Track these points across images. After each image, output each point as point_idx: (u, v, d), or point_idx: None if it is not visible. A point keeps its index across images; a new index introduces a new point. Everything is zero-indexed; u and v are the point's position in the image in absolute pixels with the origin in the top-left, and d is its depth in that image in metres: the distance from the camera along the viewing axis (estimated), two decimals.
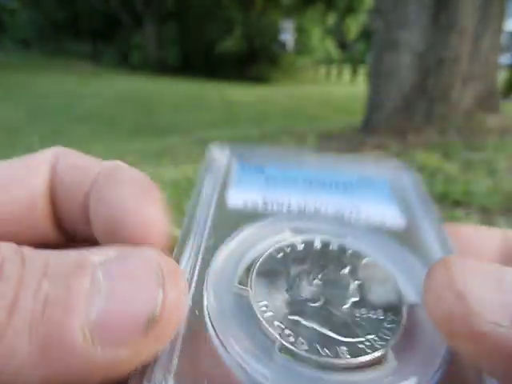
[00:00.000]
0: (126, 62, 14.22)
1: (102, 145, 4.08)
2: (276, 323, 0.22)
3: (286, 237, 0.26)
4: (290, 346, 0.21)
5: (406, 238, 0.27)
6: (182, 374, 0.20)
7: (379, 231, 0.27)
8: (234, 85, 10.36)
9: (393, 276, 0.24)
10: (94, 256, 0.17)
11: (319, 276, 0.24)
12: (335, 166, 0.31)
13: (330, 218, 0.27)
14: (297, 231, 0.26)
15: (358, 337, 0.22)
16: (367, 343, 0.22)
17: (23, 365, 0.15)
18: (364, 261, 0.25)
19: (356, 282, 0.24)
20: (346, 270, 0.24)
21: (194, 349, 0.21)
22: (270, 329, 0.22)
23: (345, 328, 0.22)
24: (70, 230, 0.24)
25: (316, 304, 0.24)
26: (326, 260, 0.25)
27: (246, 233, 0.26)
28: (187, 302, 0.20)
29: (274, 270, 0.24)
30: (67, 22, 16.26)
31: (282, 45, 13.97)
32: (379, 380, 0.22)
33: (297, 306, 0.23)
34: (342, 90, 10.01)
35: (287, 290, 0.23)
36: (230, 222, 0.26)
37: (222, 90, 8.80)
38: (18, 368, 0.15)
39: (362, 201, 0.29)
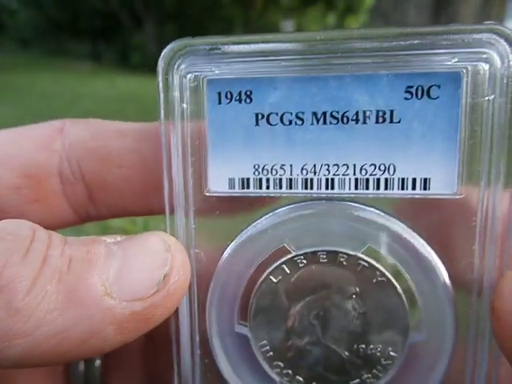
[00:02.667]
0: (125, 62, 14.22)
1: None
2: (276, 363, 0.24)
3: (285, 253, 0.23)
4: None
5: (452, 214, 0.21)
6: None
7: (416, 211, 0.22)
8: None
9: (403, 302, 0.22)
10: (103, 237, 0.20)
11: (320, 311, 0.23)
12: (367, 66, 0.21)
13: (346, 206, 0.22)
14: (298, 241, 0.23)
15: (352, 377, 0.23)
16: (359, 381, 0.23)
17: (52, 309, 0.17)
18: (375, 280, 0.23)
19: (361, 311, 0.23)
20: (351, 301, 0.23)
21: None
22: (270, 370, 0.24)
23: (340, 369, 0.23)
24: (85, 207, 0.27)
25: (315, 345, 0.23)
26: (330, 284, 0.23)
27: (240, 245, 0.23)
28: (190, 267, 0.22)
29: (272, 305, 0.24)
30: (67, 22, 16.24)
31: None
32: None
33: (295, 347, 0.24)
34: None
35: (286, 331, 0.24)
36: (214, 213, 0.23)
37: None
38: (47, 311, 0.17)
39: (403, 145, 0.21)
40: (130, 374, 0.31)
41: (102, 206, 0.26)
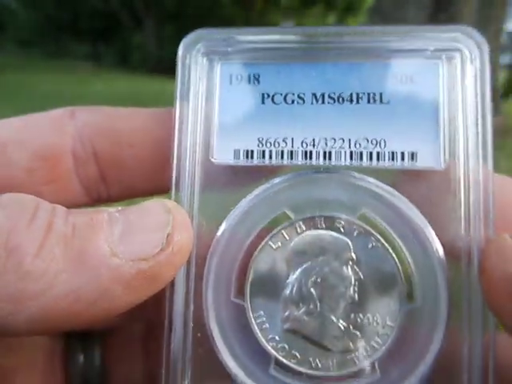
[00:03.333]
0: (125, 62, 14.21)
1: None
2: (271, 336, 0.24)
3: (285, 218, 0.24)
4: (284, 360, 0.23)
5: (438, 185, 0.24)
6: None
7: (403, 182, 0.24)
8: None
9: (398, 268, 0.23)
10: (106, 208, 0.21)
11: (318, 278, 0.24)
12: (359, 55, 0.25)
13: (342, 174, 0.24)
14: (297, 207, 0.24)
15: (349, 348, 0.23)
16: (356, 354, 0.23)
17: (61, 270, 0.17)
18: (370, 245, 0.24)
19: (358, 278, 0.23)
20: (349, 266, 0.24)
21: (204, 369, 0.23)
22: (265, 343, 0.24)
23: (337, 340, 0.23)
24: (97, 187, 0.27)
25: (312, 314, 0.24)
26: (328, 250, 0.24)
27: (240, 214, 0.24)
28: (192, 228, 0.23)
29: (271, 273, 0.24)
30: (67, 23, 16.23)
31: None
32: None
33: (292, 318, 0.24)
34: None
35: (284, 300, 0.24)
36: (219, 183, 0.24)
37: None
38: (57, 273, 0.17)
39: (392, 123, 0.24)
40: (130, 366, 0.31)
41: (114, 185, 0.27)
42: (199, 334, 0.24)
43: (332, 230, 0.24)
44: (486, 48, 0.24)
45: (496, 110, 3.47)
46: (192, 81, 0.25)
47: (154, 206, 0.21)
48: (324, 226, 0.24)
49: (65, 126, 0.26)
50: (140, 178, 0.27)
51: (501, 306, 0.21)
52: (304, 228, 0.24)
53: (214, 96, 0.25)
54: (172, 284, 0.24)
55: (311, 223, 0.24)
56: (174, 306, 0.24)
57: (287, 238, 0.24)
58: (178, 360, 0.24)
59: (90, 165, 0.26)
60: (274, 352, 0.23)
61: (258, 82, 0.25)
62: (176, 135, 0.24)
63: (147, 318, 0.31)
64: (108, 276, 0.18)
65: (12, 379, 0.27)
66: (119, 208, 0.21)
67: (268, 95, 0.25)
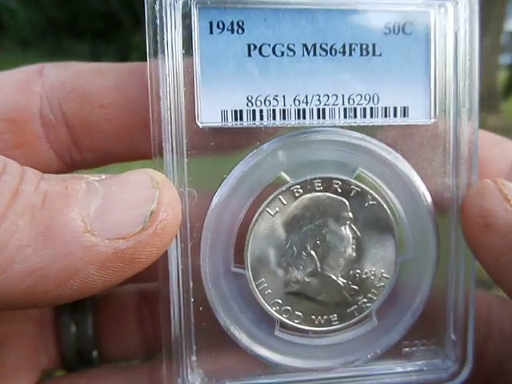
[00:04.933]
0: (125, 62, 14.22)
1: None
2: (274, 300, 0.24)
3: (281, 180, 0.24)
4: (288, 321, 0.24)
5: (428, 139, 0.24)
6: (205, 367, 0.24)
7: (397, 137, 0.24)
8: None
9: (392, 224, 0.24)
10: (87, 175, 0.19)
11: (317, 240, 0.24)
12: (351, 2, 0.23)
13: (336, 133, 0.24)
14: (294, 171, 0.24)
15: (349, 303, 0.24)
16: (356, 307, 0.24)
17: (24, 245, 0.16)
18: (367, 204, 0.24)
19: (355, 236, 0.24)
20: (346, 226, 0.24)
21: (209, 341, 0.24)
22: (269, 308, 0.24)
23: (338, 296, 0.24)
24: (69, 152, 0.25)
25: (313, 275, 0.24)
26: (326, 212, 0.24)
27: (234, 181, 0.23)
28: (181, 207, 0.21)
29: (270, 239, 0.24)
30: (67, 22, 16.24)
31: None
32: (360, 339, 0.25)
33: (294, 280, 0.24)
34: None
35: (284, 263, 0.24)
36: (207, 149, 0.23)
37: None
38: (19, 247, 0.16)
39: (385, 76, 0.24)
40: (123, 334, 0.30)
41: (87, 149, 0.25)
42: (201, 308, 0.24)
43: (329, 192, 0.24)
44: None
45: (496, 110, 3.47)
46: (166, 31, 0.21)
47: (139, 177, 0.19)
48: (321, 187, 0.24)
49: (33, 85, 0.24)
50: (114, 142, 0.25)
51: (476, 239, 0.22)
52: (301, 191, 0.24)
53: (194, 48, 0.22)
54: (166, 261, 0.23)
55: (308, 186, 0.24)
56: (172, 283, 0.23)
57: (285, 202, 0.24)
58: (181, 336, 0.24)
59: (60, 127, 0.24)
60: (277, 315, 0.24)
61: (243, 31, 0.22)
62: (153, 96, 0.22)
63: (139, 286, 0.31)
64: (80, 254, 0.17)
65: (1, 348, 0.27)
66: (102, 176, 0.19)
67: (255, 46, 0.22)
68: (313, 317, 0.24)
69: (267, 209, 0.23)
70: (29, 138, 0.24)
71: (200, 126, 0.22)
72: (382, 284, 0.24)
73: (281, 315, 0.24)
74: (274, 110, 0.23)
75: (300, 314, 0.24)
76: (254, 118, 0.23)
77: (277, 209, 0.24)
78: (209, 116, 0.22)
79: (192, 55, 0.22)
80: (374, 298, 0.24)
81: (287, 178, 0.24)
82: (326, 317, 0.25)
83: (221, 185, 0.23)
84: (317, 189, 0.24)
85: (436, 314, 0.25)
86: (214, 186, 0.23)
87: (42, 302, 0.18)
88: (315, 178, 0.23)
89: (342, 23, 0.23)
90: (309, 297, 0.24)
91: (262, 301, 0.24)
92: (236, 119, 0.23)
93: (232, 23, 0.22)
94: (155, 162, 0.22)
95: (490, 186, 0.22)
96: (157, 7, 0.21)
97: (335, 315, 0.25)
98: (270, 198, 0.23)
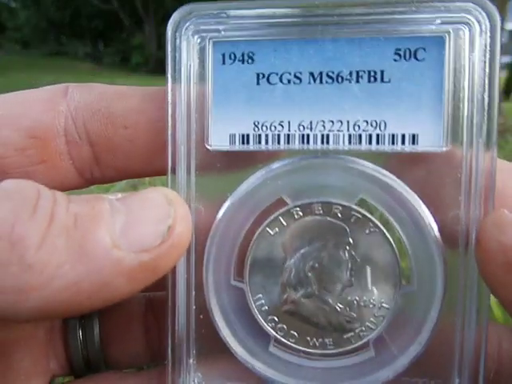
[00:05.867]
0: (126, 62, 14.24)
1: None
2: (270, 317, 0.24)
3: (282, 204, 0.24)
4: (283, 339, 0.24)
5: (438, 168, 0.23)
6: (203, 371, 0.24)
7: (403, 166, 0.23)
8: None
9: (395, 253, 0.23)
10: (106, 194, 0.21)
11: (315, 263, 0.24)
12: (360, 29, 0.23)
13: (340, 159, 0.24)
14: (295, 193, 0.24)
15: (345, 329, 0.24)
16: (352, 334, 0.24)
17: (62, 263, 0.18)
18: (367, 231, 0.24)
19: (354, 262, 0.24)
20: (346, 251, 0.24)
21: (207, 347, 0.24)
22: (265, 324, 0.24)
23: (334, 321, 0.24)
24: (90, 169, 0.27)
25: (309, 297, 0.24)
26: (325, 236, 0.24)
27: (238, 200, 0.24)
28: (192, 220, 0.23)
29: (269, 258, 0.24)
30: (67, 22, 16.27)
31: None
32: (355, 368, 0.24)
33: (291, 300, 0.24)
34: None
35: (282, 284, 0.24)
36: (215, 169, 0.24)
37: None
38: (58, 265, 0.17)
39: (393, 103, 0.23)
40: (129, 341, 0.31)
41: (108, 167, 0.27)
42: (201, 316, 0.25)
43: (329, 216, 0.24)
44: (497, 20, 0.21)
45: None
46: (183, 62, 0.23)
47: (155, 196, 0.21)
48: (321, 211, 0.24)
49: (58, 105, 0.25)
50: (134, 160, 0.26)
51: (495, 277, 0.21)
52: (301, 214, 0.24)
53: (207, 77, 0.24)
54: (173, 270, 0.24)
55: (308, 209, 0.24)
56: (177, 291, 0.24)
57: (284, 223, 0.24)
58: (182, 341, 0.25)
59: (83, 146, 0.26)
60: (273, 332, 0.24)
61: (253, 61, 0.23)
62: (169, 119, 0.24)
63: (145, 295, 0.31)
64: (110, 268, 0.19)
65: (13, 353, 0.27)
66: (119, 195, 0.21)
67: (263, 75, 0.23)
68: (308, 338, 0.24)
69: (267, 228, 0.24)
70: (52, 154, 0.26)
71: (209, 148, 0.24)
72: (382, 314, 0.24)
73: (276, 332, 0.24)
74: (278, 135, 0.24)
75: (295, 333, 0.24)
76: (260, 142, 0.24)
77: (276, 229, 0.24)
78: (218, 140, 0.24)
79: (205, 83, 0.24)
80: (373, 327, 0.24)
81: (288, 200, 0.24)
82: (321, 340, 0.24)
83: (225, 202, 0.24)
84: (317, 212, 0.24)
85: (441, 353, 0.23)
86: (219, 204, 0.24)
87: (74, 313, 0.20)
88: (316, 202, 0.24)
89: (350, 51, 0.23)
90: (304, 318, 0.24)
91: (259, 316, 0.24)
92: (243, 143, 0.24)
93: (243, 54, 0.23)
94: (168, 178, 0.24)
95: (507, 217, 0.21)
96: (177, 41, 0.23)
97: (331, 339, 0.24)
98: (271, 218, 0.24)
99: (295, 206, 0.24)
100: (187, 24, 0.23)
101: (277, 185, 0.24)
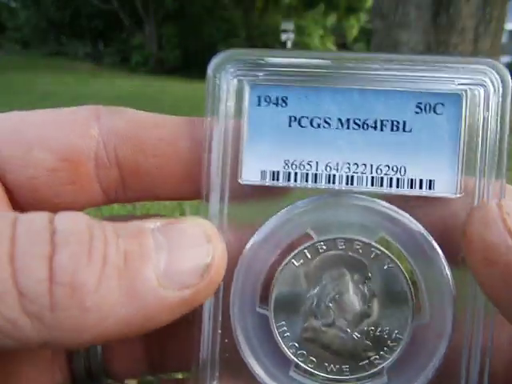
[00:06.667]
0: (126, 62, 14.23)
1: None
2: (292, 343, 0.26)
3: (307, 237, 0.26)
4: (302, 364, 0.26)
5: (453, 212, 0.25)
6: None
7: (419, 210, 0.25)
8: None
9: (409, 287, 0.25)
10: (147, 223, 0.22)
11: (336, 294, 0.26)
12: (385, 83, 0.25)
13: (363, 198, 0.25)
14: (320, 229, 0.26)
15: (361, 357, 0.26)
16: (367, 362, 0.26)
17: (115, 303, 0.19)
18: (385, 266, 0.25)
19: (372, 295, 0.25)
20: (364, 285, 0.25)
21: (230, 370, 0.26)
22: (286, 349, 0.26)
23: (351, 349, 0.26)
24: (115, 190, 0.28)
25: (329, 326, 0.26)
26: (346, 269, 0.26)
27: (266, 232, 0.26)
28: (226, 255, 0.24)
29: (293, 288, 0.26)
30: (67, 22, 16.25)
31: (283, 45, 13.96)
32: None
33: (311, 329, 0.26)
34: None
35: (304, 312, 0.26)
36: (246, 202, 0.26)
37: None
38: (112, 306, 0.19)
39: (413, 151, 0.25)
40: (131, 358, 0.32)
41: (133, 190, 0.28)
42: (226, 340, 0.26)
43: (351, 251, 0.25)
44: (508, 81, 0.24)
45: None
46: (222, 101, 0.25)
47: (195, 233, 0.22)
48: (344, 247, 0.25)
49: (90, 129, 0.26)
50: (160, 186, 0.27)
51: (478, 271, 0.22)
52: (325, 248, 0.25)
53: (243, 117, 0.26)
54: None
55: (332, 244, 0.25)
56: (204, 316, 0.26)
57: (309, 256, 0.25)
58: (207, 363, 0.26)
59: (112, 170, 0.27)
60: (293, 357, 0.26)
61: (286, 105, 0.25)
62: (206, 152, 0.25)
63: None
64: (155, 305, 0.20)
65: (20, 365, 0.28)
66: (158, 224, 0.22)
67: (295, 118, 0.25)
68: (326, 364, 0.26)
69: (293, 260, 0.25)
70: (82, 176, 0.27)
71: (241, 182, 0.26)
72: (395, 344, 0.25)
73: (296, 358, 0.26)
74: (306, 174, 0.25)
75: (314, 359, 0.26)
76: (289, 180, 0.25)
77: (301, 261, 0.25)
78: (249, 174, 0.26)
79: (241, 122, 0.26)
80: (386, 355, 0.25)
81: (313, 234, 0.25)
82: (338, 366, 0.26)
83: (254, 234, 0.26)
84: (339, 247, 0.25)
85: (449, 379, 0.25)
86: (248, 235, 0.26)
87: (122, 339, 0.21)
88: (339, 238, 0.25)
89: (376, 102, 0.25)
90: (323, 345, 0.26)
91: (281, 342, 0.26)
92: (273, 179, 0.26)
93: (277, 98, 0.25)
94: (202, 205, 0.26)
95: (494, 213, 0.22)
96: (217, 81, 0.25)
97: (347, 366, 0.26)
98: (296, 250, 0.25)
99: (320, 241, 0.25)
100: (227, 66, 0.25)
101: (303, 220, 0.26)
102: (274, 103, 0.25)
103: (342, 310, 0.25)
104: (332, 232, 0.25)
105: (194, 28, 13.13)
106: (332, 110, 0.25)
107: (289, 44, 14.21)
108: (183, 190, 0.27)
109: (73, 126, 0.26)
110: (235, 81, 0.25)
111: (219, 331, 0.26)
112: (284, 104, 0.25)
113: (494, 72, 0.24)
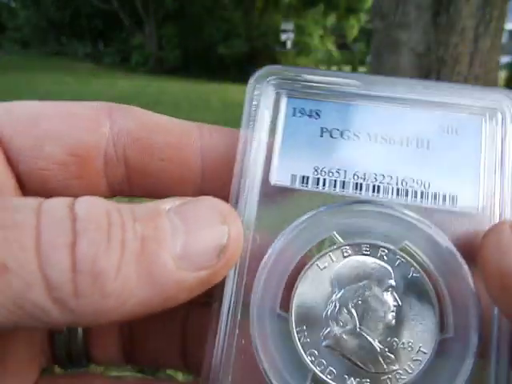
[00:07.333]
0: (126, 62, 14.22)
1: None
2: (311, 350, 0.25)
3: (333, 241, 0.26)
4: (321, 374, 0.25)
5: (474, 226, 0.26)
6: None
7: (442, 221, 0.26)
8: (234, 85, 10.36)
9: (434, 299, 0.25)
10: (163, 204, 0.22)
11: (359, 300, 0.25)
12: (412, 104, 0.27)
13: (388, 207, 0.26)
14: (345, 234, 0.26)
15: (384, 371, 0.24)
16: (390, 376, 0.24)
17: (134, 288, 0.20)
18: (410, 275, 0.25)
19: (396, 304, 0.25)
20: (389, 293, 0.25)
21: (244, 373, 0.25)
22: (305, 356, 0.25)
23: (373, 361, 0.25)
24: (121, 186, 0.28)
25: (351, 334, 0.25)
26: (371, 276, 0.25)
27: (292, 233, 0.26)
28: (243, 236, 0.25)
29: (316, 290, 0.25)
30: (67, 23, 16.24)
31: (283, 45, 13.96)
32: None
33: (332, 335, 0.25)
34: None
35: (325, 317, 0.25)
36: (275, 203, 0.27)
37: (222, 90, 8.80)
38: (131, 291, 0.20)
39: (437, 167, 0.27)
40: (109, 348, 0.33)
41: (138, 187, 0.29)
42: (243, 341, 0.26)
43: (375, 257, 0.25)
44: None
45: None
46: (260, 109, 0.27)
47: (210, 213, 0.23)
48: (368, 252, 0.26)
49: (101, 127, 0.27)
50: (164, 187, 0.28)
51: (495, 296, 0.22)
52: (350, 252, 0.26)
53: (278, 125, 0.27)
54: (221, 294, 0.26)
55: (357, 249, 0.26)
56: (222, 313, 0.26)
57: (334, 259, 0.26)
58: (220, 363, 0.26)
59: (119, 168, 0.28)
60: (312, 366, 0.25)
61: (319, 117, 0.27)
62: (240, 154, 0.27)
63: None
64: (174, 287, 0.21)
65: (9, 346, 0.28)
66: (174, 206, 0.22)
67: (326, 129, 0.27)
68: (345, 376, 0.25)
69: (317, 262, 0.26)
70: (90, 171, 0.28)
71: (272, 183, 0.27)
72: (419, 358, 0.24)
73: (315, 366, 0.25)
74: (335, 181, 0.27)
75: (333, 370, 0.25)
76: (318, 184, 0.27)
77: (326, 264, 0.26)
78: (280, 177, 0.27)
79: (276, 130, 0.27)
80: (410, 371, 0.24)
81: (339, 238, 0.26)
82: (358, 379, 0.25)
83: (279, 235, 0.26)
84: (364, 252, 0.25)
85: None
86: (275, 235, 0.26)
87: (141, 318, 0.22)
88: (364, 243, 0.26)
89: (402, 119, 0.27)
90: (344, 354, 0.25)
91: (300, 348, 0.25)
92: (302, 183, 0.27)
93: (311, 111, 0.28)
94: (231, 204, 0.27)
95: (508, 237, 0.22)
96: (256, 92, 0.28)
97: (368, 380, 0.25)
98: (321, 253, 0.26)
99: (345, 245, 0.26)
100: (268, 79, 0.28)
101: (329, 224, 0.26)
102: (307, 115, 0.28)
103: (364, 317, 0.25)
104: (358, 237, 0.26)
105: (194, 28, 13.12)
106: (361, 124, 0.27)
107: (289, 44, 14.21)
108: (187, 194, 0.27)
109: (85, 122, 0.27)
110: (274, 93, 0.28)
111: (236, 331, 0.26)
112: (317, 116, 0.27)
113: (509, 100, 0.27)
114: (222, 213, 0.23)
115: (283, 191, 0.27)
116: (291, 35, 14.09)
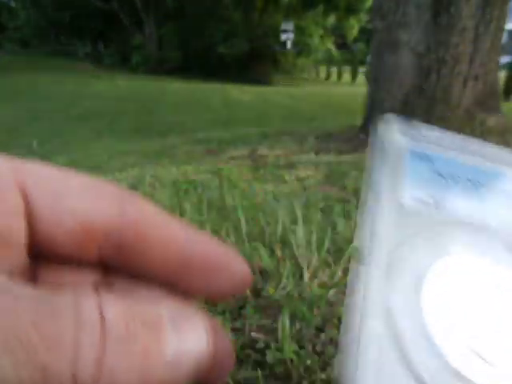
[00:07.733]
0: (126, 62, 14.22)
1: (102, 145, 4.07)
2: None
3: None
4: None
5: None
6: None
7: None
8: (234, 85, 10.32)
9: None
10: (161, 310, 0.22)
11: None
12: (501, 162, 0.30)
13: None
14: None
15: None
16: None
17: None
18: None
19: None
20: None
21: None
22: None
23: None
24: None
25: None
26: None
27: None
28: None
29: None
30: (67, 23, 16.24)
31: (283, 45, 13.96)
32: None
33: None
34: (342, 90, 10.00)
35: None
36: (407, 229, 0.29)
37: (222, 89, 8.79)
38: None
39: None
40: None
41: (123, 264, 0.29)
42: None
43: None
44: None
45: (496, 110, 3.47)
46: (387, 151, 0.32)
47: (196, 335, 0.23)
48: None
49: (111, 211, 0.28)
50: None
51: None
52: None
53: (400, 171, 0.31)
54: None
55: None
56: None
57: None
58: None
59: (114, 250, 0.28)
60: None
61: (433, 164, 0.32)
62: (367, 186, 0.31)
63: None
64: None
65: None
66: (172, 315, 0.23)
67: (439, 173, 0.32)
68: None
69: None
70: (89, 249, 0.28)
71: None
72: None
73: None
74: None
75: None
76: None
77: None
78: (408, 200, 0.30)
79: (398, 174, 0.31)
80: None
81: None
82: None
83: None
84: None
85: None
86: None
87: None
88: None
89: (496, 178, 0.30)
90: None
91: None
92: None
93: (427, 156, 0.32)
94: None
95: None
96: (384, 135, 0.32)
97: None
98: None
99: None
100: (394, 127, 0.32)
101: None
102: (425, 160, 0.32)
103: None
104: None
105: (194, 28, 13.12)
106: (468, 177, 0.31)
107: (289, 44, 14.20)
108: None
109: (96, 203, 0.27)
110: (399, 138, 0.33)
111: None
112: (431, 164, 0.33)
113: None
114: (206, 332, 0.24)
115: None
116: (291, 35, 14.08)
